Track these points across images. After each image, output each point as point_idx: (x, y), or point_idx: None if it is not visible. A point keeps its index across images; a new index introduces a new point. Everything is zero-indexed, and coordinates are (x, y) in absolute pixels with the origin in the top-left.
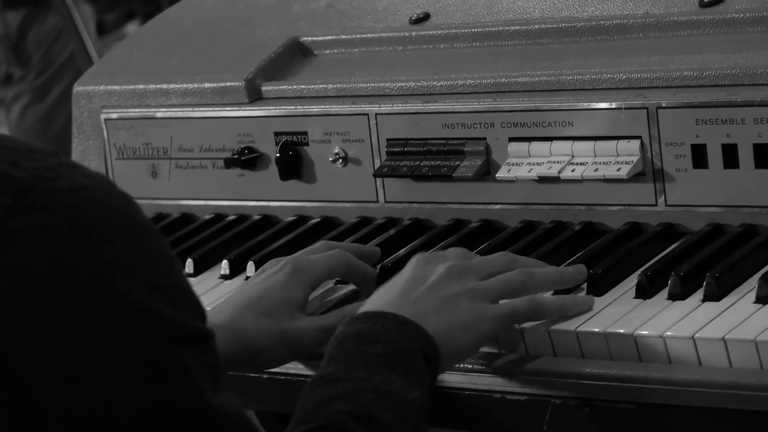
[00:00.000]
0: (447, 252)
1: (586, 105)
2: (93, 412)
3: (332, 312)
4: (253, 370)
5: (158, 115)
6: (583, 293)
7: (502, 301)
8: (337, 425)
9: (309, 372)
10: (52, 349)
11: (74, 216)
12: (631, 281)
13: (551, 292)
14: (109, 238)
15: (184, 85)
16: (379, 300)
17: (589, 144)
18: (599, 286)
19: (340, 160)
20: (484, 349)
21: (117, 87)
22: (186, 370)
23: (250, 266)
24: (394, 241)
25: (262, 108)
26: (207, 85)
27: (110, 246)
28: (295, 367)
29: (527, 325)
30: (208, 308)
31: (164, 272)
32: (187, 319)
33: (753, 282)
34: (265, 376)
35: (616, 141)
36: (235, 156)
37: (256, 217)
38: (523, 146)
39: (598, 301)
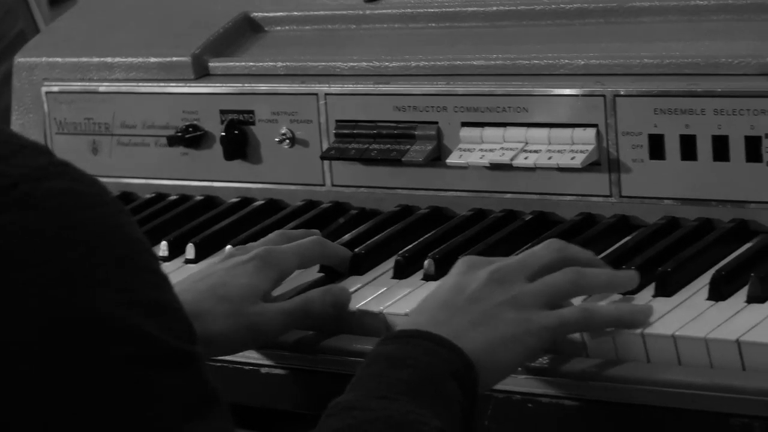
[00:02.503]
0: (499, 258)
1: (542, 91)
2: (48, 425)
3: (296, 297)
4: (215, 355)
5: (101, 89)
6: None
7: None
8: None
9: (263, 361)
10: (8, 354)
11: (56, 219)
12: None
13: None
14: (91, 246)
15: (129, 59)
16: (419, 316)
17: (544, 131)
18: None
19: (287, 141)
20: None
21: (59, 59)
22: (155, 391)
23: (190, 249)
24: (340, 226)
25: (209, 85)
26: (152, 59)
27: (90, 254)
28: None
29: None
30: None
31: (148, 288)
32: (167, 337)
33: (706, 278)
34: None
35: (571, 129)
36: (179, 134)
37: (199, 197)
38: (476, 132)
39: None
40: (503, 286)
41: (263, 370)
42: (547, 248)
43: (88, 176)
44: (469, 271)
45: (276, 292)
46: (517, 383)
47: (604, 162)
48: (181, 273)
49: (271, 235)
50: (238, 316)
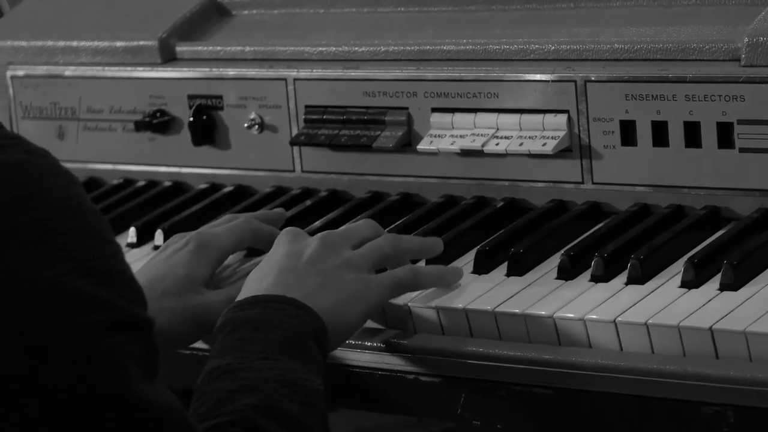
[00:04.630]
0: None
1: (512, 76)
2: (20, 398)
3: (237, 283)
4: (164, 349)
5: (67, 73)
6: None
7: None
8: (246, 420)
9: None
10: None
11: (11, 190)
12: (554, 261)
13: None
14: (45, 217)
15: (95, 43)
16: (261, 282)
17: (515, 117)
18: (520, 265)
19: (256, 127)
20: (399, 328)
21: (24, 43)
22: (118, 357)
23: (158, 235)
24: (309, 212)
25: (176, 69)
26: (119, 43)
27: (45, 226)
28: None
29: (442, 303)
30: None
31: (102, 257)
32: (124, 304)
33: (679, 266)
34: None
35: (542, 115)
36: (147, 119)
37: (167, 183)
38: (447, 117)
39: (519, 281)
40: (335, 250)
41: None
42: (365, 224)
43: (40, 148)
44: (297, 239)
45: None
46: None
47: (575, 148)
48: (149, 259)
49: (219, 218)
50: (182, 311)
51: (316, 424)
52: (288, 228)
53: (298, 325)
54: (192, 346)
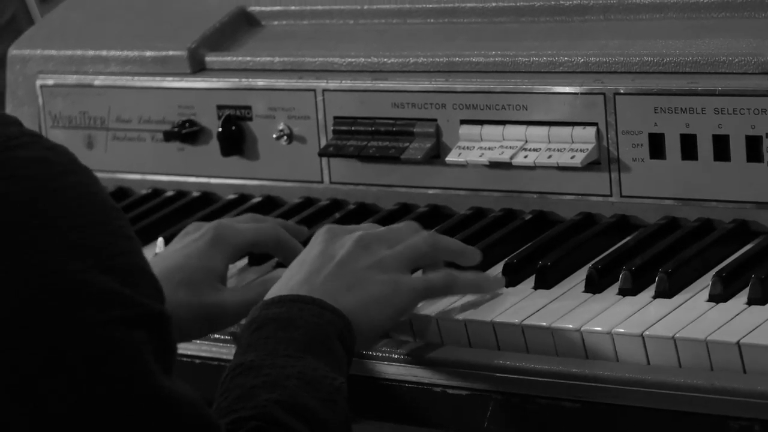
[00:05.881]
0: (355, 226)
1: (541, 88)
2: (42, 393)
3: (253, 284)
4: None
5: (96, 83)
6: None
7: (416, 275)
8: (267, 415)
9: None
10: None
11: (32, 188)
12: (582, 274)
13: None
14: (66, 214)
15: (125, 53)
16: (289, 281)
17: (544, 129)
18: (548, 278)
19: (285, 137)
20: (426, 340)
21: (54, 52)
22: (139, 352)
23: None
24: (337, 221)
25: (205, 79)
26: (148, 53)
27: (66, 222)
28: (208, 350)
29: (469, 316)
30: None
31: (123, 252)
32: (144, 300)
33: (707, 279)
34: (186, 359)
35: (571, 127)
36: (176, 129)
37: (196, 193)
38: (475, 129)
39: (546, 294)
40: (368, 250)
41: None
42: (407, 227)
43: (60, 146)
44: (334, 239)
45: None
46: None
47: (604, 161)
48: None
49: (242, 216)
50: (197, 307)
51: (337, 420)
52: (327, 226)
53: (321, 325)
54: (203, 354)
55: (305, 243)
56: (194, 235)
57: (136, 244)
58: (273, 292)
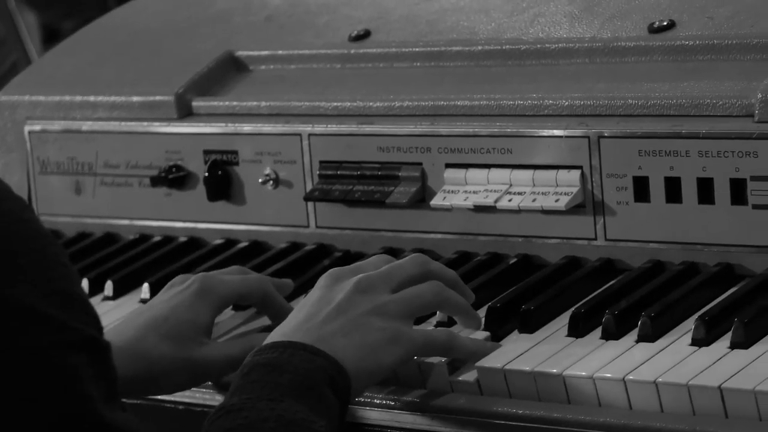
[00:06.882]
0: (362, 263)
1: (526, 132)
2: None
3: (239, 339)
4: (154, 394)
5: (84, 128)
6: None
7: (418, 328)
8: None
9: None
10: None
11: None
12: (565, 319)
13: None
14: (6, 239)
15: (112, 98)
16: (285, 327)
17: (528, 173)
18: (531, 322)
19: (271, 182)
20: (409, 385)
21: (42, 98)
22: (76, 376)
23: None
24: (325, 268)
25: (192, 124)
26: (135, 98)
27: (5, 246)
28: (191, 396)
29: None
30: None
31: (58, 279)
32: (80, 326)
33: (691, 323)
34: (169, 405)
35: (555, 171)
36: (163, 174)
37: (183, 239)
38: (460, 173)
39: (529, 339)
40: (368, 295)
41: None
42: (411, 262)
43: None
44: (334, 284)
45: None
46: None
47: (588, 204)
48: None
49: (229, 268)
50: (183, 360)
51: None
52: (330, 270)
53: (311, 370)
54: (186, 401)
55: (289, 298)
56: (180, 287)
57: (71, 272)
58: (270, 338)
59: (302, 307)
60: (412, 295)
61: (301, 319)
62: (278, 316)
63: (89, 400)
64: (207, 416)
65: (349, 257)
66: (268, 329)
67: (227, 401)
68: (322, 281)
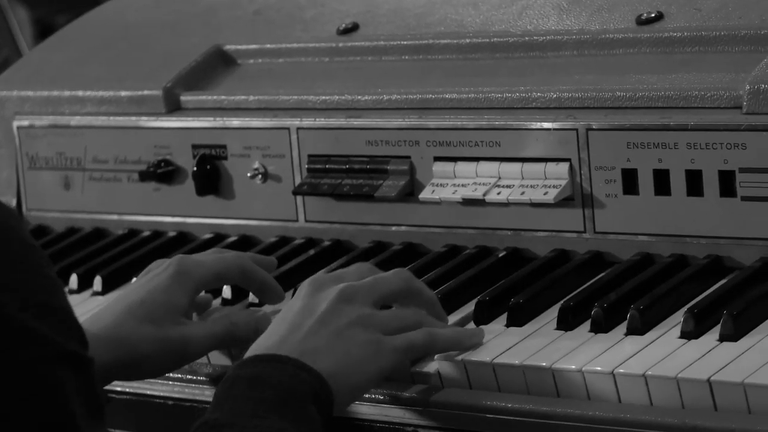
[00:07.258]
0: (345, 271)
1: (514, 125)
2: None
3: (219, 317)
4: (138, 378)
5: (72, 123)
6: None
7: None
8: None
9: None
10: None
11: None
12: (554, 312)
13: None
14: None
15: (100, 93)
16: (268, 339)
17: (517, 166)
18: (520, 316)
19: (260, 176)
20: (398, 379)
21: (30, 93)
22: (58, 389)
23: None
24: (313, 262)
25: (180, 119)
26: (123, 93)
27: None
28: (181, 391)
29: (442, 356)
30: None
31: (42, 291)
32: (63, 339)
33: (680, 316)
34: (158, 400)
35: (544, 163)
36: (151, 169)
37: (172, 233)
38: (449, 166)
39: (518, 332)
40: (352, 305)
41: None
42: (395, 276)
43: None
44: (316, 293)
45: None
46: None
47: (577, 197)
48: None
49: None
50: (163, 341)
51: None
52: (312, 277)
53: (295, 385)
54: (176, 396)
55: (281, 278)
56: (157, 270)
57: (55, 284)
58: (252, 350)
59: (284, 318)
60: (398, 320)
61: (284, 331)
62: (262, 290)
63: (70, 414)
64: (190, 427)
65: (338, 247)
66: (251, 306)
67: (210, 415)
68: (303, 289)
